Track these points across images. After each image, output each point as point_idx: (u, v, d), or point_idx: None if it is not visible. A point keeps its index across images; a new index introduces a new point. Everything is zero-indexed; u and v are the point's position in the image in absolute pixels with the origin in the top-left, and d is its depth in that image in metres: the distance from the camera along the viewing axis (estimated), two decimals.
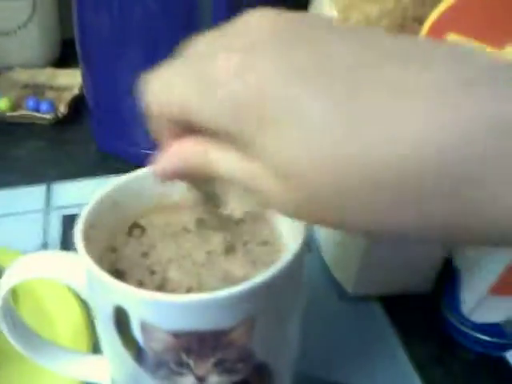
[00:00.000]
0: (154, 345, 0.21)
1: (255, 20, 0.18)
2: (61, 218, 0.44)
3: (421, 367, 0.32)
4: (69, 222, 0.43)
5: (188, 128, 0.19)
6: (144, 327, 0.21)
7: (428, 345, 0.34)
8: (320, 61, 0.16)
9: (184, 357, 0.21)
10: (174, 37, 0.41)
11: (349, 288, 0.36)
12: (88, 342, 0.30)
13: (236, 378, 0.22)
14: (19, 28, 0.63)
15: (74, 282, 0.23)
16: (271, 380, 0.24)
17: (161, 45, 0.42)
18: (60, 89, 0.62)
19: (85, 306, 0.32)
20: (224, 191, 0.24)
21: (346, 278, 0.36)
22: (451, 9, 0.25)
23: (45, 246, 0.41)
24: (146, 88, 0.19)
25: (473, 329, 0.33)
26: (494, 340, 0.32)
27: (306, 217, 0.17)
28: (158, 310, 0.20)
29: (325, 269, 0.38)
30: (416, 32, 0.26)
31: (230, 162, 0.18)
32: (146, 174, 0.26)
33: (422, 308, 0.36)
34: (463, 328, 0.33)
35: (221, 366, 0.22)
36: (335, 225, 0.17)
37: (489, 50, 0.24)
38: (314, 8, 0.37)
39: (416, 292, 0.36)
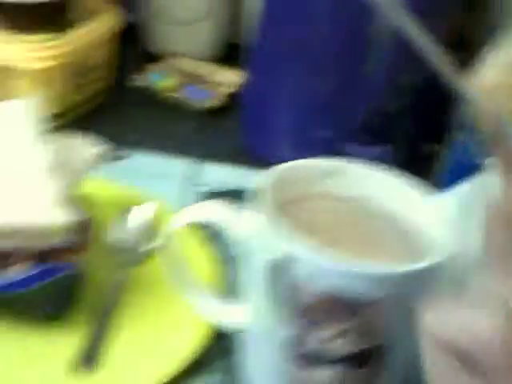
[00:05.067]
0: (299, 299, 0.25)
1: None
2: (197, 194, 0.48)
3: None
4: (204, 197, 0.48)
5: None
6: (294, 283, 0.24)
7: None
8: None
9: (321, 316, 0.25)
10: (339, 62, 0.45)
11: None
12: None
13: (354, 348, 0.25)
14: (195, 21, 0.71)
15: (238, 231, 0.28)
16: (383, 361, 0.26)
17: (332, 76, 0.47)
18: (218, 84, 0.69)
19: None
20: None
21: None
22: None
23: None
24: None
25: None
26: None
27: None
28: (311, 269, 0.24)
29: None
30: None
31: None
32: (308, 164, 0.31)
33: None
34: None
35: (346, 335, 0.25)
36: None
37: None
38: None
39: None
